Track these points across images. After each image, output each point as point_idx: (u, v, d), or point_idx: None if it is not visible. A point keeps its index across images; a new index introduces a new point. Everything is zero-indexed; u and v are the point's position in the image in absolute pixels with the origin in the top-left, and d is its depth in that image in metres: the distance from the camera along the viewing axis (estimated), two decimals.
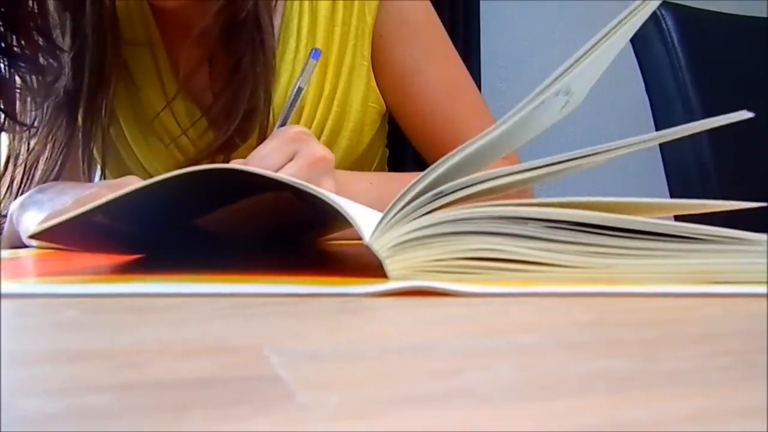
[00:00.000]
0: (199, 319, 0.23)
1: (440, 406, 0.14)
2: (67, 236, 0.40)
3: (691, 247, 0.30)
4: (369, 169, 0.82)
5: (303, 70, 0.64)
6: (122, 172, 0.74)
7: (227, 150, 0.69)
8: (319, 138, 0.72)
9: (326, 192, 0.33)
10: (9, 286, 0.28)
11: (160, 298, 0.27)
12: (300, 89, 0.63)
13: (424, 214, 0.30)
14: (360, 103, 0.76)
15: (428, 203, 0.30)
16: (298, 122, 0.73)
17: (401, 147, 1.01)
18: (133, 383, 0.15)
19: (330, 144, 0.74)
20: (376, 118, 0.78)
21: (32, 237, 0.35)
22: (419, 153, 0.81)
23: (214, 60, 0.70)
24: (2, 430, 0.12)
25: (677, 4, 1.17)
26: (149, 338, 0.21)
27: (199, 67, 0.70)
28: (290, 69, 0.73)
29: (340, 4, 0.74)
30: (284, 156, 0.53)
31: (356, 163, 0.77)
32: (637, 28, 0.33)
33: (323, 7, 0.74)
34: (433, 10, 0.79)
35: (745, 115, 0.29)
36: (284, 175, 0.35)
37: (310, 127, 0.73)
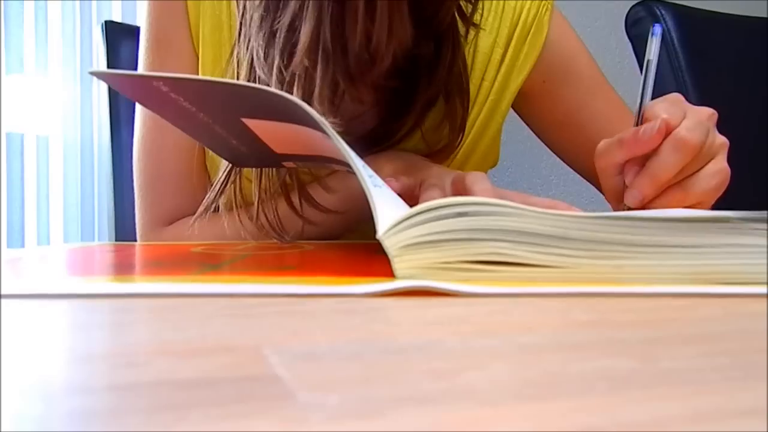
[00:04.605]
0: (199, 319, 0.23)
1: (440, 406, 0.14)
2: (130, 88, 0.45)
3: (692, 247, 0.30)
4: None
5: (651, 44, 0.62)
6: None
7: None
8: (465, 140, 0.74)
9: (366, 178, 0.34)
10: (9, 287, 0.28)
11: (160, 298, 0.27)
12: (649, 61, 0.62)
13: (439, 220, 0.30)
14: (491, 138, 0.78)
15: (450, 217, 0.30)
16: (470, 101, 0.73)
17: None
18: (133, 383, 0.15)
19: (472, 149, 0.77)
20: (492, 166, 0.81)
21: (95, 73, 0.39)
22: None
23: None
24: (2, 430, 0.12)
25: (677, 4, 1.17)
26: (149, 338, 0.21)
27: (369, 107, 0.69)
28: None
29: (499, 51, 0.77)
30: (679, 113, 0.52)
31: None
32: None
33: (483, 45, 0.76)
34: (585, 47, 0.82)
35: None
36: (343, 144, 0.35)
37: (467, 124, 0.74)
